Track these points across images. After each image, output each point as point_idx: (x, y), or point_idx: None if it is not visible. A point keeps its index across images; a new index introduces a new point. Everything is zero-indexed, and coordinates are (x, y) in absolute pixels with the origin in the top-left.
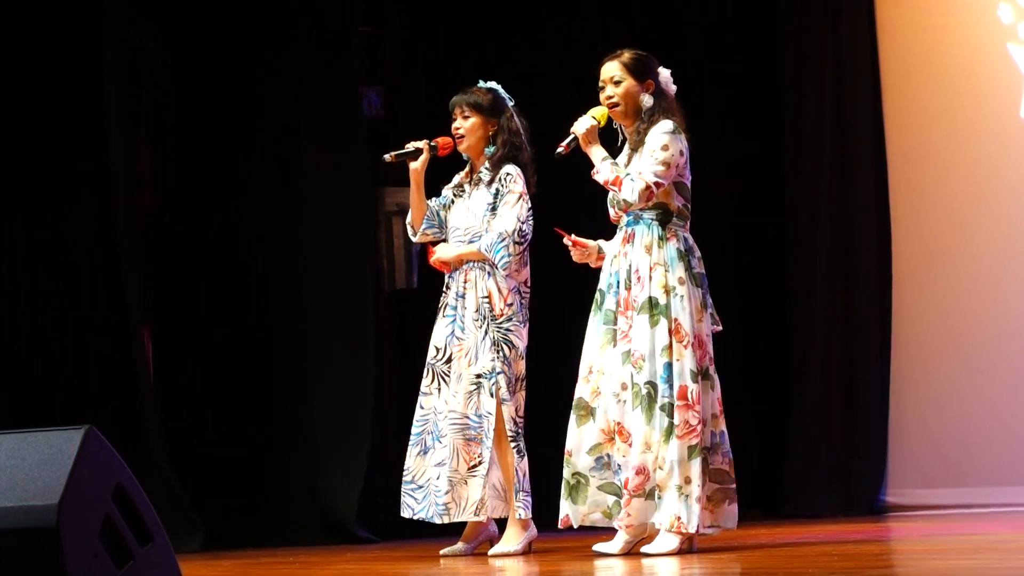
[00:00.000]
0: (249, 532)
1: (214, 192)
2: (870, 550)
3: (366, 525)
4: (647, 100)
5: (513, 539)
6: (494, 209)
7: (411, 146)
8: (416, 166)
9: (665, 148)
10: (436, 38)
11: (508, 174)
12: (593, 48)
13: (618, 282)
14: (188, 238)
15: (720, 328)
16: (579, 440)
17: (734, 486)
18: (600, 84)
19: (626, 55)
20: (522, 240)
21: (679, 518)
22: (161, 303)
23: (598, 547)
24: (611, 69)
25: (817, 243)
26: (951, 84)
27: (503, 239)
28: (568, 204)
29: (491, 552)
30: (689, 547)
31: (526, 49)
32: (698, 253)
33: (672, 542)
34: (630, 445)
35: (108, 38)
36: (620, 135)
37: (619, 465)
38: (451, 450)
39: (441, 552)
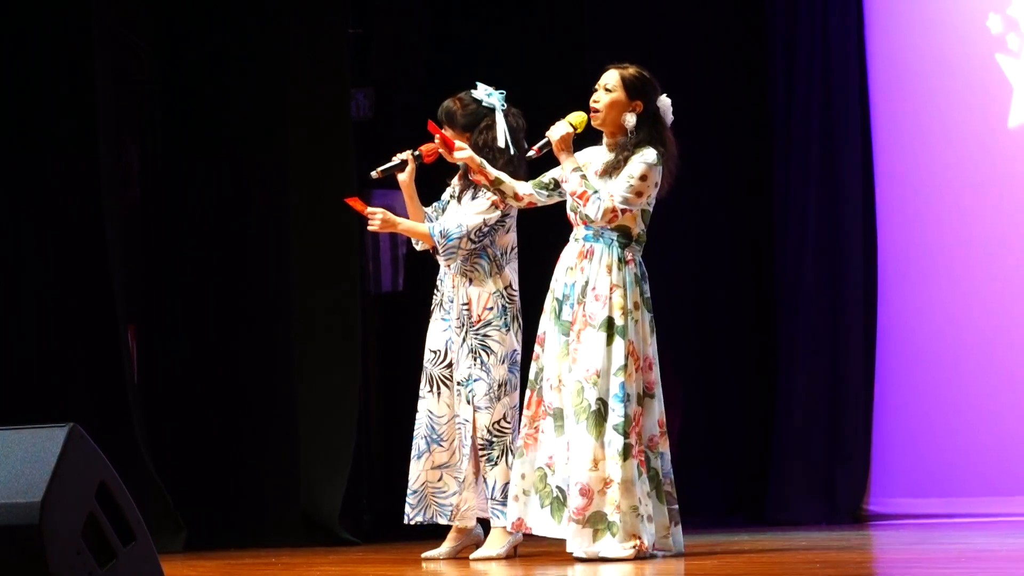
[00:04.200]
0: (232, 533)
1: (200, 191)
2: (853, 558)
3: (349, 527)
4: (630, 119)
5: (496, 543)
6: None
7: (396, 159)
8: (404, 178)
9: (643, 177)
10: (424, 39)
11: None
12: (581, 50)
13: (574, 295)
14: (174, 237)
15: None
16: (557, 451)
17: (677, 507)
18: (595, 87)
19: (630, 70)
20: (478, 240)
21: (635, 535)
22: (146, 302)
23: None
24: (609, 77)
25: (803, 251)
26: (940, 94)
27: (461, 229)
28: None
29: (473, 556)
30: (649, 554)
31: (514, 51)
32: (646, 276)
33: (628, 551)
34: (567, 462)
35: (98, 36)
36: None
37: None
38: (458, 454)
39: (423, 555)
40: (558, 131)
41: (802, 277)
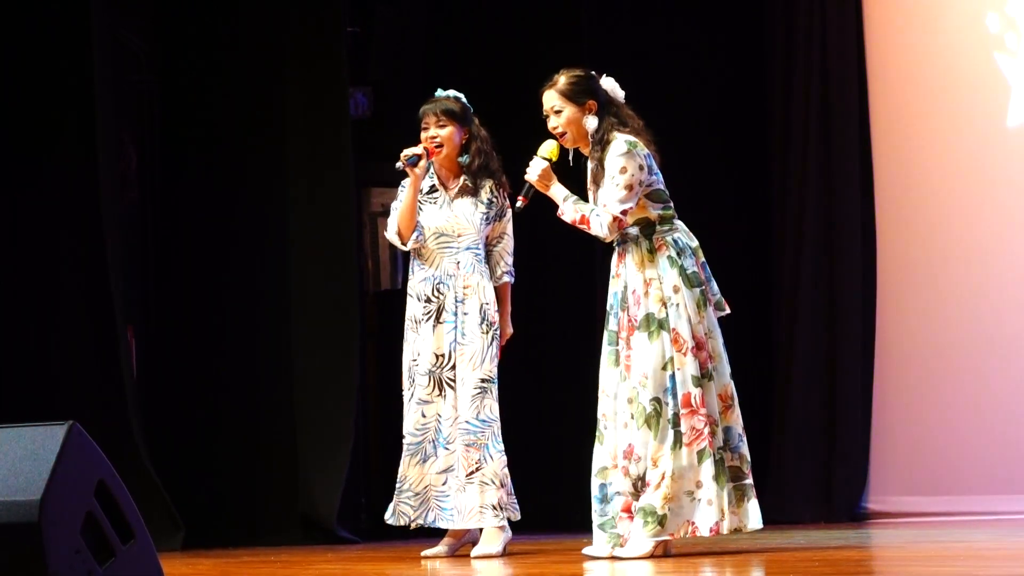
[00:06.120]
0: (230, 531)
1: (199, 191)
2: (851, 556)
3: (347, 525)
4: (591, 122)
5: (494, 541)
6: (487, 219)
7: (411, 152)
8: (420, 173)
9: (623, 171)
10: (423, 39)
11: (500, 185)
12: (579, 52)
13: (617, 303)
14: (172, 237)
15: (728, 311)
16: (601, 458)
17: (750, 481)
18: (544, 114)
19: (561, 81)
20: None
21: (690, 522)
22: (145, 302)
23: (587, 550)
24: (549, 99)
25: (801, 251)
26: (938, 93)
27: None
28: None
29: (473, 553)
30: (664, 552)
31: (510, 50)
32: (693, 244)
33: (645, 546)
34: (631, 463)
35: (96, 36)
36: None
37: (618, 492)
38: (458, 456)
39: (422, 553)
40: (535, 170)
41: (800, 275)
